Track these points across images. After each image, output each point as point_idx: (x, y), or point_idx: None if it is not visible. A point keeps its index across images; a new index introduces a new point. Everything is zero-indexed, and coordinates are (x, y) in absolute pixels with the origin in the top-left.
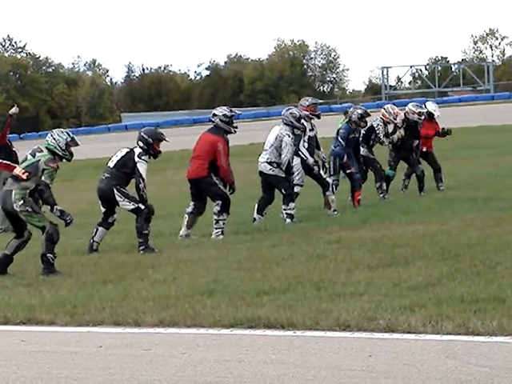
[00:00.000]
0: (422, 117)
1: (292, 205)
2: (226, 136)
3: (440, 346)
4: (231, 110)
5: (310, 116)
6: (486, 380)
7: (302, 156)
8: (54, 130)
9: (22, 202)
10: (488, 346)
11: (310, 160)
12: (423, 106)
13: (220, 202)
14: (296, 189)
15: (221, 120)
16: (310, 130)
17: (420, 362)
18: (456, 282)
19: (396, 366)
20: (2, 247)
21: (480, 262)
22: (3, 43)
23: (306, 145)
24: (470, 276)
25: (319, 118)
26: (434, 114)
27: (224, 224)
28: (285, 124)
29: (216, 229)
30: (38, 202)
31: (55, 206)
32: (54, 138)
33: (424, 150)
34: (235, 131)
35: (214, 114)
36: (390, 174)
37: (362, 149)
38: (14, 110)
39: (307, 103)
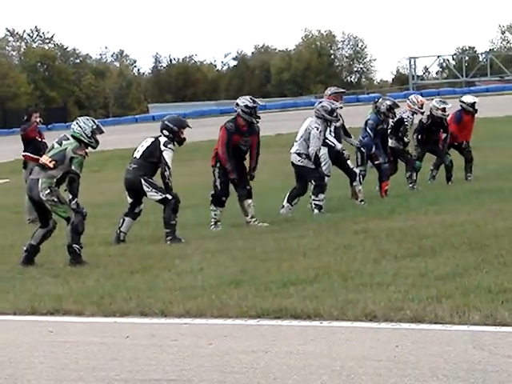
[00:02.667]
0: (447, 112)
1: (321, 196)
2: (238, 125)
3: (467, 336)
4: (254, 101)
5: (333, 102)
6: None
7: (330, 143)
8: (79, 118)
9: (48, 191)
10: None
11: (339, 146)
12: (446, 101)
13: (211, 193)
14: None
15: (242, 111)
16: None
17: (447, 353)
18: (483, 272)
19: (423, 357)
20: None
21: (507, 253)
22: (31, 34)
23: (333, 134)
24: (497, 266)
25: (341, 107)
26: (475, 102)
27: (216, 215)
28: (317, 117)
29: (211, 218)
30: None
31: (76, 199)
32: (80, 126)
33: (456, 143)
34: (257, 121)
35: (237, 104)
36: (416, 164)
37: (390, 140)
38: (38, 118)
39: (329, 92)
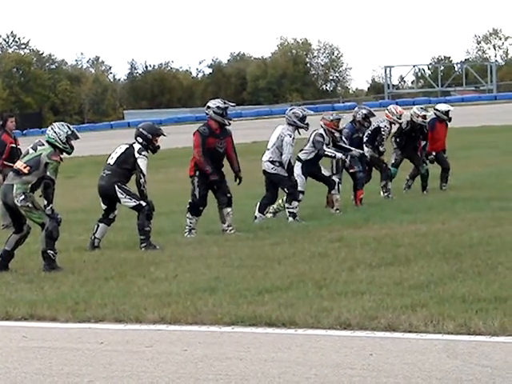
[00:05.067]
0: (427, 120)
1: (295, 204)
2: (212, 128)
3: (441, 345)
4: (225, 102)
5: (332, 131)
6: (488, 380)
7: (330, 154)
8: (54, 124)
9: (23, 196)
10: (489, 346)
11: (339, 155)
12: (427, 109)
13: (189, 202)
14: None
15: (214, 112)
16: (327, 145)
17: (421, 362)
18: (458, 282)
19: (397, 365)
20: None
21: (482, 262)
22: (7, 39)
23: (347, 142)
24: (472, 276)
25: (341, 133)
26: (449, 110)
27: (191, 223)
28: (288, 124)
29: (185, 225)
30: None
31: (50, 204)
32: (55, 131)
33: (434, 153)
34: (229, 123)
35: (208, 107)
36: (392, 171)
37: (366, 149)
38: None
39: (331, 118)
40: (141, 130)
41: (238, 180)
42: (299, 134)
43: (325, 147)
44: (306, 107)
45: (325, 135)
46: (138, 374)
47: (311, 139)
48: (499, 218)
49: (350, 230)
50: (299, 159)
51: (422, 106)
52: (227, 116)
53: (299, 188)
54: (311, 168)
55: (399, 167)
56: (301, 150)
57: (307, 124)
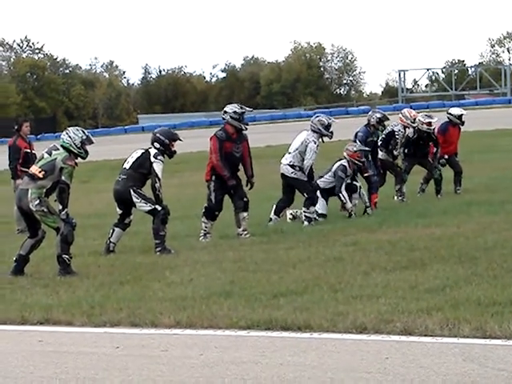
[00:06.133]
0: (432, 126)
1: (312, 209)
2: (228, 133)
3: (457, 349)
4: (242, 107)
5: (355, 162)
6: (503, 383)
7: (342, 199)
8: (69, 128)
9: (38, 201)
10: (505, 350)
11: (349, 205)
12: (432, 115)
13: (204, 206)
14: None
15: (231, 117)
16: (347, 176)
17: (437, 365)
18: (473, 285)
19: (413, 369)
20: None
21: (497, 265)
22: (21, 44)
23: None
24: (487, 279)
25: (364, 164)
26: (462, 114)
27: (206, 228)
28: (312, 131)
29: (201, 230)
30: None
31: (66, 209)
32: (70, 136)
33: (446, 156)
34: (246, 128)
35: (225, 112)
36: (403, 177)
37: (380, 152)
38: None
39: (354, 149)
40: (158, 135)
41: (249, 185)
42: (323, 141)
43: (342, 188)
44: (319, 111)
45: (348, 167)
46: (154, 378)
47: (333, 169)
48: None
49: (365, 233)
50: (318, 186)
51: (426, 114)
52: (244, 121)
53: (321, 211)
54: (331, 192)
55: (411, 172)
56: (320, 177)
57: (331, 132)
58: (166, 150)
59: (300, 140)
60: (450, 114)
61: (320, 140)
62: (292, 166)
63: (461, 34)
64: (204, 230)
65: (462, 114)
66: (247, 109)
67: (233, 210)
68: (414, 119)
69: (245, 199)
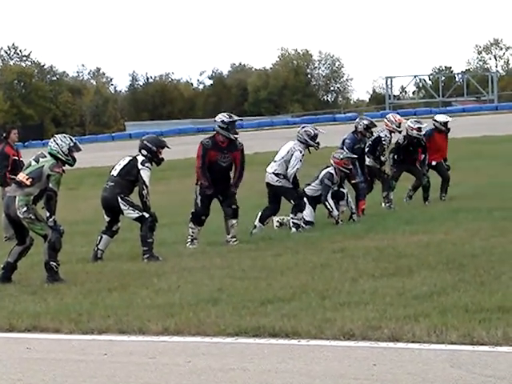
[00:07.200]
0: (422, 132)
1: (300, 215)
2: (217, 141)
3: (444, 355)
4: (230, 116)
5: (342, 169)
6: None
7: (328, 208)
8: (56, 135)
9: (25, 208)
10: (493, 356)
11: (335, 213)
12: (421, 121)
13: (191, 211)
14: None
15: (219, 126)
16: (334, 184)
17: (425, 372)
18: (460, 292)
19: (400, 375)
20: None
21: (484, 272)
22: (8, 51)
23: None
24: (475, 285)
25: (351, 171)
26: (448, 121)
27: (193, 233)
28: (299, 141)
29: (188, 235)
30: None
31: (53, 216)
32: (57, 143)
33: (433, 163)
34: (235, 137)
35: (215, 121)
36: (390, 184)
37: (367, 159)
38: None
39: (341, 156)
40: (145, 142)
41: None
42: (309, 152)
43: (329, 197)
44: (306, 118)
45: (335, 175)
46: None
47: (320, 177)
48: (502, 228)
49: (352, 240)
50: (305, 194)
51: (416, 120)
52: (233, 130)
53: (308, 219)
54: (318, 199)
55: (399, 179)
56: (307, 185)
57: (318, 143)
58: (154, 158)
59: (286, 149)
60: (435, 120)
61: (306, 150)
62: (277, 175)
63: (448, 40)
64: (191, 236)
65: (447, 121)
66: (236, 118)
67: (222, 216)
68: (400, 124)
69: (233, 206)
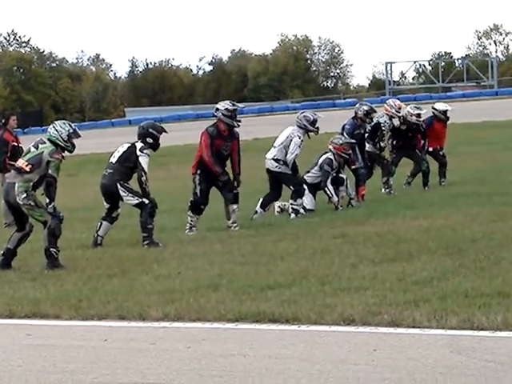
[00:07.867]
0: (421, 118)
1: (299, 201)
2: (220, 130)
3: (445, 340)
4: (234, 104)
5: (341, 155)
6: (491, 374)
7: (328, 193)
8: (56, 122)
9: (25, 195)
10: (493, 341)
11: (335, 199)
12: (421, 107)
13: (190, 200)
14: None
15: (223, 114)
16: (333, 169)
17: (425, 357)
18: (460, 277)
19: (400, 361)
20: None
21: (484, 257)
22: (7, 38)
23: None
24: (475, 271)
25: (350, 157)
26: (447, 110)
27: (192, 221)
28: (298, 126)
29: (186, 223)
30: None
31: (53, 202)
32: (56, 130)
33: (431, 149)
34: (238, 125)
35: (217, 109)
36: (390, 169)
37: (367, 145)
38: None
39: (340, 142)
40: (150, 130)
41: (235, 183)
42: (309, 137)
43: (328, 182)
44: (306, 104)
45: (334, 161)
46: (142, 371)
47: (319, 163)
48: (501, 213)
49: (353, 226)
50: (305, 182)
51: (415, 105)
52: (236, 118)
53: (309, 207)
54: (318, 186)
55: (398, 165)
56: (307, 172)
57: (317, 128)
58: (157, 145)
59: (285, 135)
60: (434, 109)
61: (306, 136)
62: (276, 161)
63: (447, 26)
64: (190, 224)
65: (446, 110)
66: (239, 106)
67: (221, 202)
68: (399, 108)
69: (235, 191)
